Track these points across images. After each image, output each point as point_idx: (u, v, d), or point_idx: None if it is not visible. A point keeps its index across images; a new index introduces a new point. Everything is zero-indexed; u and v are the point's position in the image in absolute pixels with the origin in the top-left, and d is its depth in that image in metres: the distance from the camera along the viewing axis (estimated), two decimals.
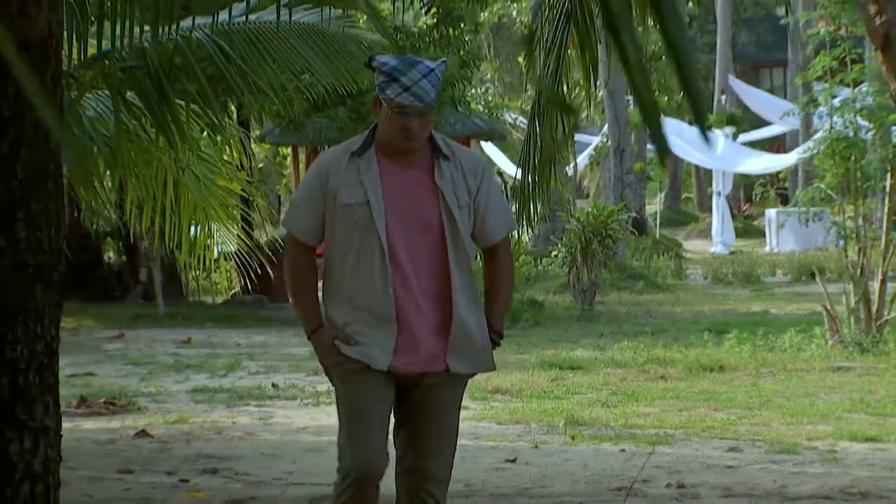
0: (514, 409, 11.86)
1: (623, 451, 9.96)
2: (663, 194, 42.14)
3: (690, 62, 1.56)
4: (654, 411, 11.53)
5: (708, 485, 8.68)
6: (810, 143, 18.66)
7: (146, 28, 7.45)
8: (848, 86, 16.87)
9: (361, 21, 12.25)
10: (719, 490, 8.59)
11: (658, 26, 1.59)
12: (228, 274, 19.35)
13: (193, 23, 8.30)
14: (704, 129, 1.93)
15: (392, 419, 5.88)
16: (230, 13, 8.21)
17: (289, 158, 32.08)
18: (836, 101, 15.93)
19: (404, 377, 5.72)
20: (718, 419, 11.23)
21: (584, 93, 20.98)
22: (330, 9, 8.78)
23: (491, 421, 11.35)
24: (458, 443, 10.27)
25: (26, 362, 4.83)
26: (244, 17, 8.28)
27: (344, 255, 5.68)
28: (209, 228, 10.83)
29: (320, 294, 5.92)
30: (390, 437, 5.93)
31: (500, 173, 41.86)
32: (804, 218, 17.03)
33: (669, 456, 9.67)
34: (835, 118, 15.86)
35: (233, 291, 22.09)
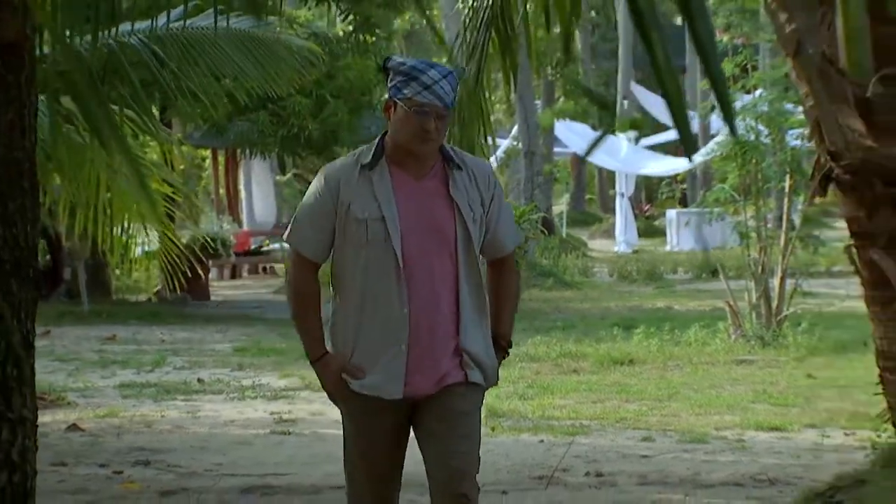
0: None
1: (542, 441, 10.02)
2: (569, 195, 42.36)
3: (716, 59, 1.58)
4: (569, 403, 11.59)
5: (625, 473, 8.75)
6: (713, 146, 18.82)
7: (84, 33, 7.39)
8: (748, 92, 17.05)
9: (277, 26, 12.18)
10: (635, 478, 8.66)
11: (688, 25, 1.60)
12: (151, 273, 19.23)
13: (133, 27, 8.25)
14: (731, 123, 1.93)
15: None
16: (169, 18, 8.14)
17: (207, 161, 31.95)
18: (738, 106, 16.08)
19: (418, 398, 5.23)
20: (631, 410, 11.33)
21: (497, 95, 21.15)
22: (264, 15, 8.73)
23: None
24: None
25: (4, 355, 4.80)
26: (179, 23, 8.22)
27: (354, 272, 5.19)
28: (138, 228, 10.78)
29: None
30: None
31: None
32: (708, 218, 17.20)
33: (586, 446, 9.74)
34: (738, 122, 16.00)
35: (156, 289, 21.94)
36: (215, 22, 6.59)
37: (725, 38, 17.95)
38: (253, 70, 8.98)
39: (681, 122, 1.73)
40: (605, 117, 37.33)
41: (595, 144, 17.10)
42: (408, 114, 5.07)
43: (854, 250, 6.02)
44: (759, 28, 20.31)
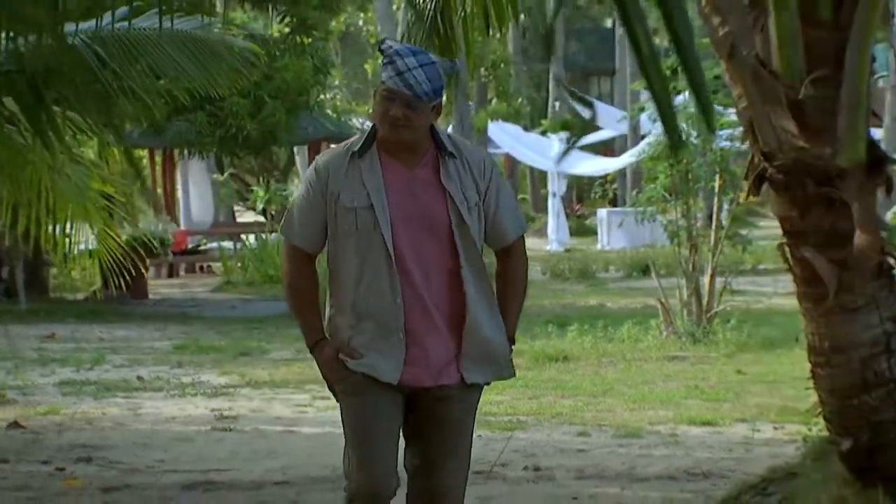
0: None
1: (479, 437, 9.96)
2: None
3: (694, 56, 1.60)
4: (506, 399, 11.62)
5: (562, 467, 8.79)
6: (644, 146, 18.91)
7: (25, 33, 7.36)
8: (679, 93, 17.16)
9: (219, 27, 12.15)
10: (573, 472, 8.70)
11: (666, 24, 1.63)
12: (90, 271, 19.10)
13: (77, 28, 8.19)
14: (710, 120, 1.96)
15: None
16: (113, 19, 8.09)
17: (144, 160, 31.73)
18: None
19: (414, 390, 5.13)
20: (567, 406, 11.37)
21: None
22: (202, 15, 8.71)
23: None
24: (323, 430, 10.43)
25: None
26: (122, 23, 8.17)
27: (347, 263, 5.06)
28: (80, 227, 10.72)
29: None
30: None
31: None
32: (640, 217, 17.29)
33: (524, 441, 9.77)
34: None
35: (94, 288, 21.78)
36: (160, 22, 6.56)
37: (658, 41, 18.06)
38: (195, 70, 8.94)
39: (665, 112, 1.75)
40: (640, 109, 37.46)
41: (571, 147, 17.02)
42: (379, 98, 5.01)
43: (787, 248, 6.07)
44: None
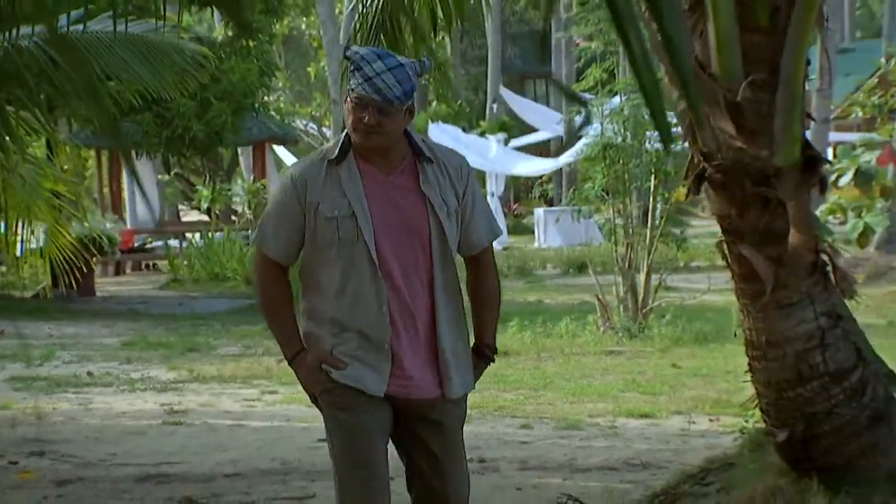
0: None
1: None
2: None
3: (685, 56, 1.63)
4: None
5: (506, 459, 8.82)
6: (581, 147, 18.98)
7: None
8: (615, 94, 17.26)
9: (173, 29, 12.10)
10: (516, 463, 8.74)
11: (656, 23, 1.65)
12: (37, 269, 18.97)
13: (33, 30, 8.15)
14: (699, 113, 1.98)
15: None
16: (69, 20, 8.05)
17: (90, 160, 31.52)
18: (606, 110, 16.26)
19: (401, 402, 4.87)
20: (508, 399, 11.40)
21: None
22: (156, 19, 8.68)
23: (300, 404, 11.29)
24: (272, 424, 10.42)
25: None
26: (77, 26, 8.13)
27: (328, 273, 4.81)
28: (30, 225, 10.66)
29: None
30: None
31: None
32: (577, 216, 17.37)
33: (468, 433, 9.65)
34: (605, 125, 16.19)
35: (42, 285, 21.62)
36: (114, 25, 6.53)
37: (594, 45, 18.17)
38: (145, 72, 8.91)
39: (657, 113, 1.77)
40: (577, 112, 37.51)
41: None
42: (350, 106, 4.80)
43: (725, 246, 6.13)
44: None
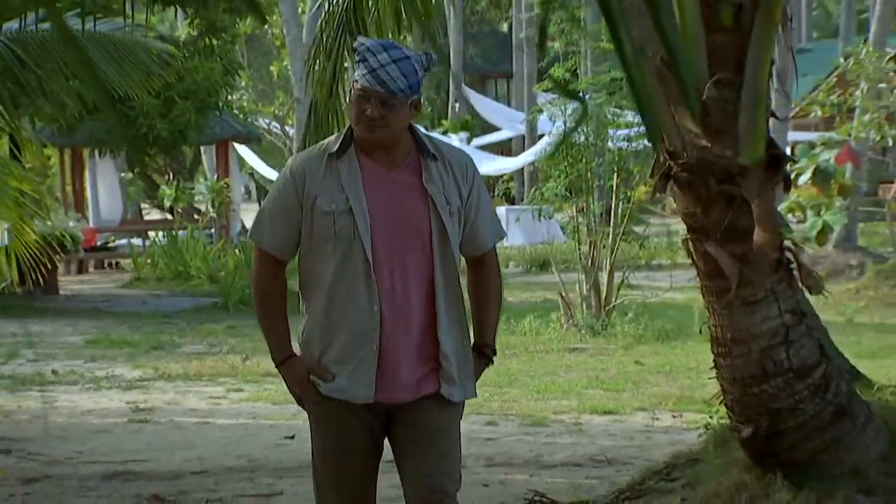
0: (286, 390, 11.74)
1: None
2: None
3: (679, 50, 1.63)
4: None
5: (472, 455, 8.81)
6: (543, 146, 19.03)
7: None
8: (578, 94, 17.27)
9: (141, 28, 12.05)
10: (483, 460, 8.74)
11: (652, 18, 1.66)
12: (3, 268, 18.83)
13: (1, 29, 8.11)
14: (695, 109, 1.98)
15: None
16: (37, 18, 8.00)
17: (52, 159, 31.34)
18: (570, 109, 16.30)
19: (392, 406, 4.70)
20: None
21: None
22: (124, 18, 8.63)
23: (266, 401, 11.33)
24: (238, 422, 10.39)
25: None
26: (46, 24, 8.08)
27: (323, 270, 4.62)
28: None
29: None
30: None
31: (252, 174, 41.63)
32: (537, 214, 17.39)
33: None
34: (570, 124, 16.23)
35: (3, 284, 21.47)
36: (83, 24, 6.50)
37: (557, 45, 18.20)
38: (112, 71, 8.86)
39: (646, 110, 1.78)
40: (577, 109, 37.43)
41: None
42: (354, 98, 4.64)
43: (690, 243, 6.14)
44: (586, 35, 20.64)
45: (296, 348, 4.81)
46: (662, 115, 6.07)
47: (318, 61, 8.46)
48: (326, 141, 4.82)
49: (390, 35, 8.30)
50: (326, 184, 4.64)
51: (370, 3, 8.31)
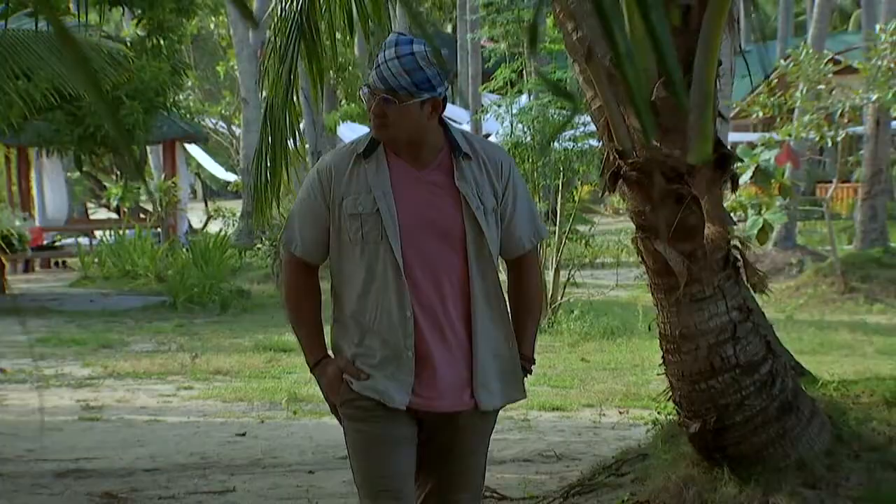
0: (236, 388, 11.82)
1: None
2: None
3: (671, 51, 1.64)
4: None
5: None
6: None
7: None
8: (521, 93, 17.33)
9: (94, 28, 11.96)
10: None
11: (642, 16, 1.66)
12: None
13: None
14: (682, 104, 1.99)
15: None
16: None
17: None
18: (515, 110, 16.34)
19: (427, 414, 4.43)
20: None
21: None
22: (78, 17, 8.58)
23: (216, 399, 11.29)
24: (189, 419, 10.35)
25: None
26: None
27: (352, 274, 4.39)
28: None
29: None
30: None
31: (198, 173, 41.44)
32: None
33: None
34: (516, 124, 16.26)
35: None
36: (36, 24, 6.45)
37: (503, 46, 18.20)
38: (63, 70, 8.80)
39: (641, 107, 1.79)
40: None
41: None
42: (365, 96, 4.45)
43: (640, 241, 6.17)
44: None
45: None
46: (612, 116, 6.11)
47: (272, 63, 8.44)
48: (356, 139, 4.55)
49: (338, 35, 8.30)
50: (354, 184, 4.39)
51: (322, 5, 8.29)
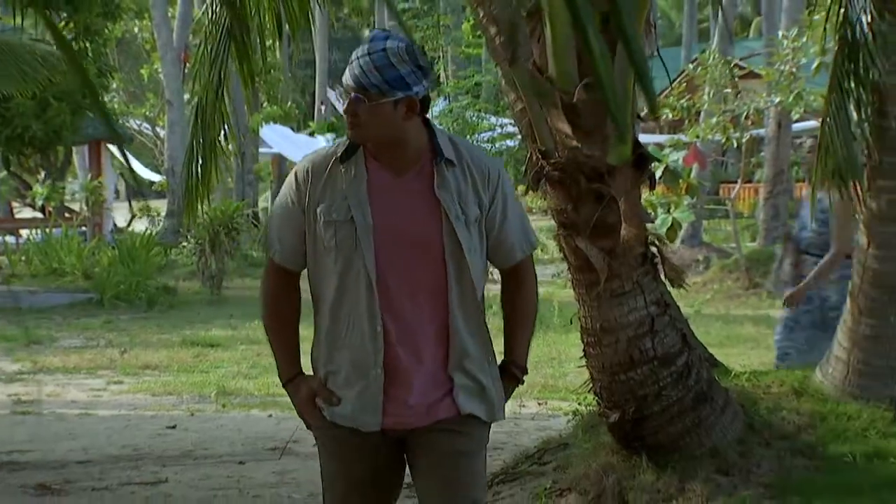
0: (165, 381, 11.73)
1: (271, 416, 10.00)
2: (269, 192, 42.18)
3: (641, 51, 1.65)
4: None
5: None
6: None
7: None
8: (440, 96, 17.38)
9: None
10: None
11: (613, 19, 1.67)
12: None
13: None
14: (654, 108, 1.99)
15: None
16: None
17: None
18: (435, 111, 16.36)
19: (405, 432, 4.06)
20: None
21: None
22: (14, 21, 8.47)
23: (146, 393, 11.20)
24: (119, 413, 10.25)
25: None
26: None
27: (326, 284, 4.02)
28: None
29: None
30: None
31: (122, 174, 41.08)
32: None
33: None
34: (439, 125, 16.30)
35: None
36: None
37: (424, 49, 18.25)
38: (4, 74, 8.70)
39: (614, 106, 1.80)
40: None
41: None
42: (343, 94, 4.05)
43: (562, 239, 6.19)
44: (451, 42, 20.73)
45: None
46: (535, 117, 6.13)
47: (202, 64, 8.38)
48: (338, 142, 4.13)
49: (263, 37, 8.27)
50: (330, 189, 3.99)
51: (251, 10, 8.25)
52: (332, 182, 4.00)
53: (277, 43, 10.04)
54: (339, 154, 4.02)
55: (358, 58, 3.90)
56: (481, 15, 7.24)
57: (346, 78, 3.92)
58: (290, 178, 4.10)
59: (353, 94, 3.90)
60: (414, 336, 3.99)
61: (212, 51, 8.15)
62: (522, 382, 4.37)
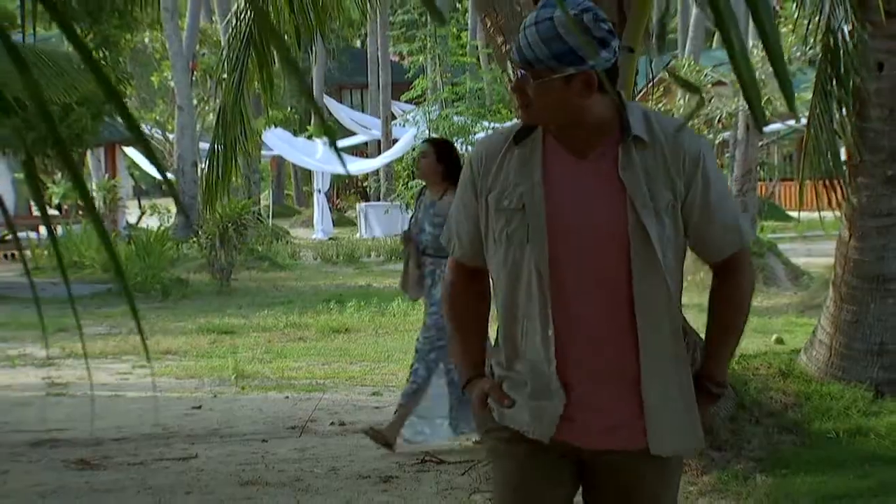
0: (187, 366, 11.71)
1: (287, 397, 9.99)
2: (270, 191, 42.14)
3: (780, 51, 1.65)
4: (302, 365, 11.59)
5: (362, 422, 8.78)
6: (398, 149, 19.08)
7: None
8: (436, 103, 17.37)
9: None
10: (375, 425, 8.71)
11: (754, 19, 1.66)
12: None
13: None
14: (762, 117, 1.99)
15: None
16: None
17: None
18: (434, 116, 16.36)
19: (581, 452, 3.34)
20: (356, 371, 11.37)
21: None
22: (34, 32, 8.43)
23: (170, 377, 11.18)
24: (147, 394, 10.24)
25: None
26: None
27: (499, 280, 3.35)
28: None
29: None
30: None
31: (133, 175, 41.03)
32: (387, 210, 17.41)
33: (327, 400, 9.75)
34: (433, 129, 16.28)
35: None
36: (23, 37, 6.33)
37: (421, 59, 18.22)
38: (42, 80, 8.67)
39: (754, 100, 1.79)
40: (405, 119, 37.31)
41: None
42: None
43: None
44: (447, 51, 20.72)
45: None
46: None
47: (226, 71, 8.43)
48: (516, 123, 3.42)
49: (284, 46, 8.29)
50: (503, 174, 3.32)
51: (273, 18, 8.27)
52: (505, 167, 3.32)
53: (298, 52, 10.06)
54: (514, 134, 3.33)
55: (525, 28, 3.19)
56: (489, 25, 7.27)
57: (513, 50, 3.25)
58: (466, 165, 3.44)
59: (519, 71, 3.21)
60: (591, 341, 3.26)
61: (233, 58, 8.18)
62: (716, 400, 3.49)
